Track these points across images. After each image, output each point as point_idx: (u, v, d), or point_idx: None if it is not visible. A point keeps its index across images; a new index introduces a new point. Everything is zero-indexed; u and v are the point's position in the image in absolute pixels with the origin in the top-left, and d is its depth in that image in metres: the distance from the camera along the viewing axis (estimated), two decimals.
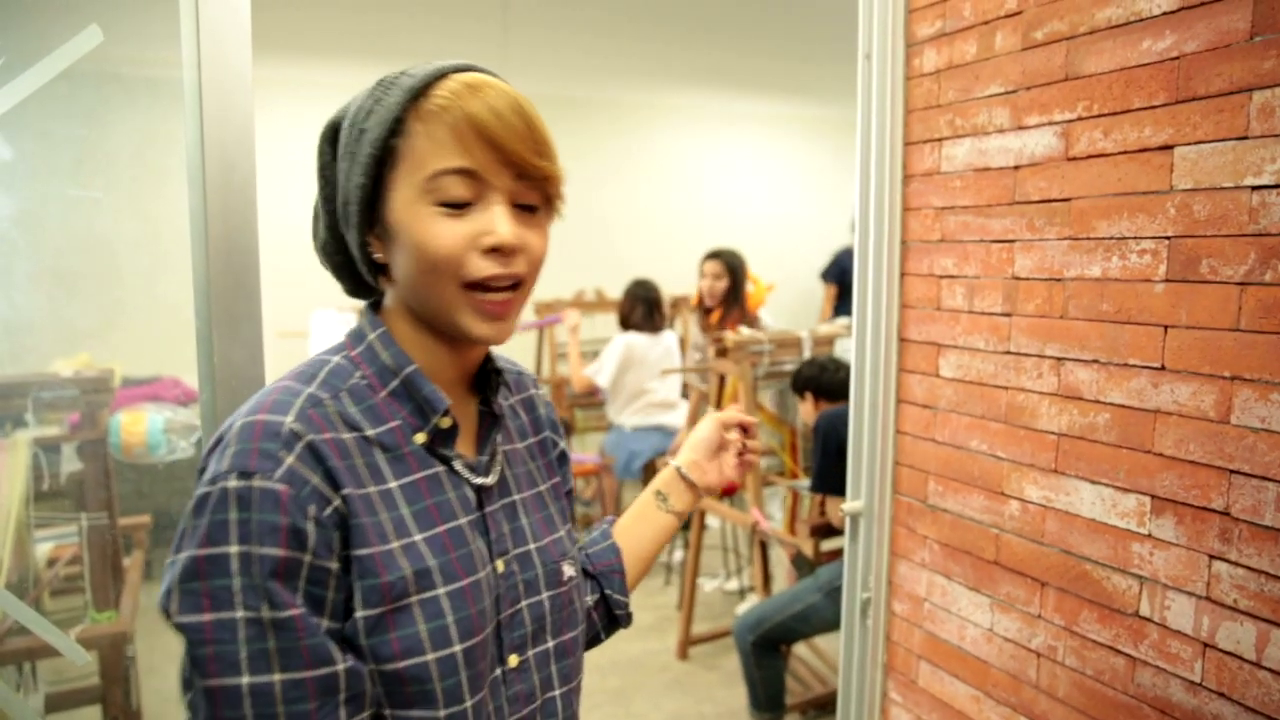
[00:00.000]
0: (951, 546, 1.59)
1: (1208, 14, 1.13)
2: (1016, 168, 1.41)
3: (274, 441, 0.66)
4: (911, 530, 1.68)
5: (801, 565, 2.82)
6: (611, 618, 0.99)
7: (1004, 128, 1.43)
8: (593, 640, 0.98)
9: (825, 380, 2.79)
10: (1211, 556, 1.16)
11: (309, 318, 3.86)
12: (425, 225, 0.70)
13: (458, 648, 0.71)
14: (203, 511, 0.64)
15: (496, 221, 0.71)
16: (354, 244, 0.76)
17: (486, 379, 0.84)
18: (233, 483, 0.64)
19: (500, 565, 0.78)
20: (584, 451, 4.66)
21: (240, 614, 0.62)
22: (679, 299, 4.83)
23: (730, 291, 3.71)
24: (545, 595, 0.82)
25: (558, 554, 0.85)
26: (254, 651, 0.63)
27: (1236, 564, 1.13)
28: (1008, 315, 1.45)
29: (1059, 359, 1.36)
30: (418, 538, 0.72)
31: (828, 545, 2.69)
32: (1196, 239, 1.16)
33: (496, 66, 0.77)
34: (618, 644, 3.41)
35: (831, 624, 2.58)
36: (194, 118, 1.07)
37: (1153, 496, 1.23)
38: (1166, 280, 1.20)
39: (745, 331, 3.11)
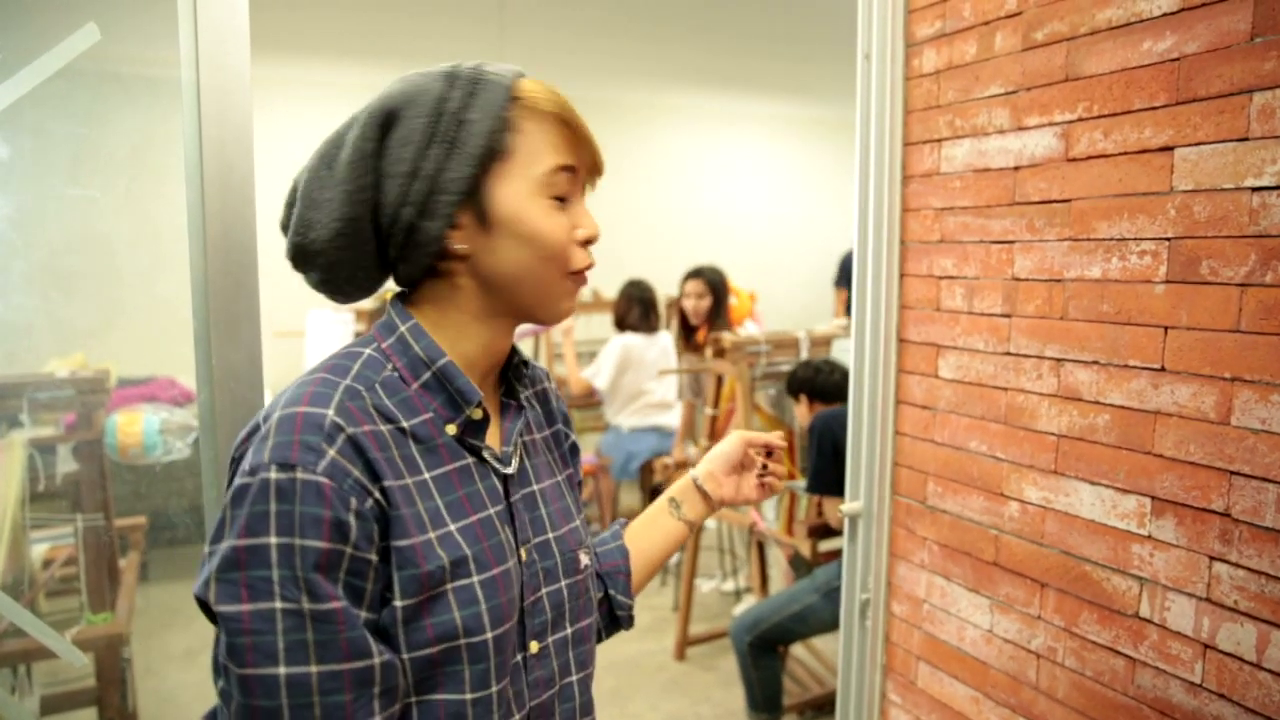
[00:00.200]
0: (951, 547, 1.59)
1: (1208, 15, 1.13)
2: (1016, 168, 1.41)
3: (316, 434, 0.67)
4: (911, 531, 1.68)
5: (799, 566, 2.82)
6: (613, 618, 1.00)
7: (1004, 128, 1.43)
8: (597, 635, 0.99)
9: (820, 382, 2.79)
10: (1212, 558, 1.16)
11: (305, 317, 3.85)
12: (543, 217, 0.76)
13: (489, 635, 0.73)
14: (242, 502, 0.65)
15: (588, 216, 0.80)
16: (430, 233, 0.74)
17: (512, 370, 0.86)
18: (274, 474, 0.65)
19: (523, 554, 0.80)
20: (581, 451, 4.65)
21: (279, 604, 0.63)
22: (675, 300, 4.82)
23: (713, 309, 3.75)
24: (564, 583, 0.84)
25: (574, 543, 0.87)
26: (292, 642, 0.63)
27: (1237, 565, 1.13)
28: (1007, 316, 1.45)
29: (1059, 360, 1.36)
30: (453, 527, 0.73)
31: (825, 546, 2.69)
32: (1197, 240, 1.16)
33: None
34: (615, 644, 3.41)
35: (829, 625, 2.58)
36: (192, 117, 1.06)
37: (1153, 498, 1.23)
38: (1167, 281, 1.20)
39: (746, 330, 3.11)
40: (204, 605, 0.65)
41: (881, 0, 1.60)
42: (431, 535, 0.71)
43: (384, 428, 0.72)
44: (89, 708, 2.22)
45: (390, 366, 0.76)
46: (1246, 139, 1.10)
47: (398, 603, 0.69)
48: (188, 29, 1.05)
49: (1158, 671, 1.23)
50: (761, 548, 3.11)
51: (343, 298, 0.80)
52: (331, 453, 0.66)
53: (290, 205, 0.77)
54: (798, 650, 3.16)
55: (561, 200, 0.77)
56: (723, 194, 6.52)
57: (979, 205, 1.49)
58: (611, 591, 0.99)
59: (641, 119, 6.18)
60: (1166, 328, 1.20)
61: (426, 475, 0.73)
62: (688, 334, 3.84)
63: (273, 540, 0.63)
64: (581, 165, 0.79)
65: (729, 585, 3.91)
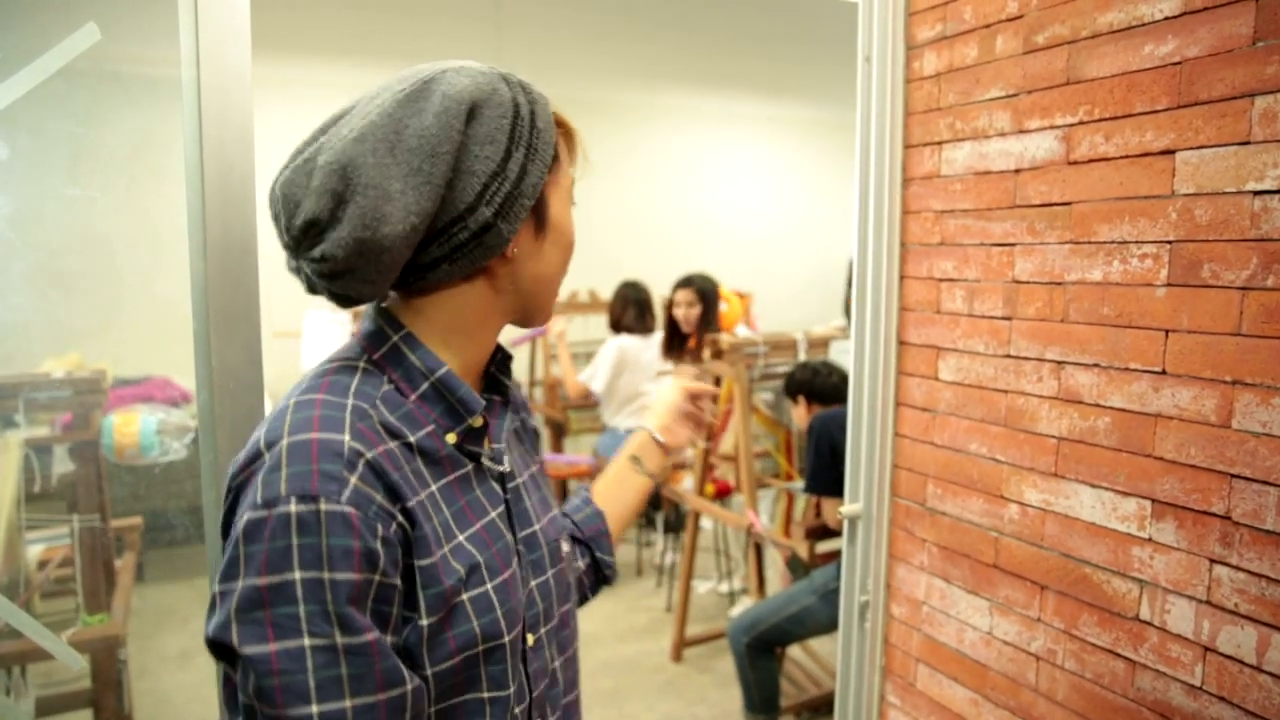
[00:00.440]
0: (950, 549, 1.59)
1: (1210, 19, 1.13)
2: (1017, 171, 1.42)
3: (335, 462, 0.64)
4: (910, 533, 1.68)
5: (796, 568, 2.82)
6: (600, 577, 1.05)
7: (1005, 131, 1.43)
8: (580, 601, 1.02)
9: (818, 384, 2.79)
10: (1212, 560, 1.16)
11: (302, 319, 3.84)
12: (572, 224, 0.82)
13: (506, 639, 0.73)
14: (257, 538, 0.62)
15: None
16: (504, 235, 0.73)
17: (498, 365, 0.86)
18: (294, 507, 0.62)
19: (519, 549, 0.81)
20: (577, 453, 4.65)
21: (307, 642, 0.61)
22: (665, 303, 4.82)
23: (704, 317, 3.77)
24: (550, 573, 0.84)
25: (555, 532, 0.88)
26: (324, 679, 0.61)
27: (1237, 568, 1.13)
28: (1008, 319, 1.45)
29: (1059, 363, 1.36)
30: (462, 537, 0.73)
31: (822, 547, 2.69)
32: (1198, 243, 1.16)
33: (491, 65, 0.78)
34: (612, 645, 3.41)
35: (826, 626, 2.58)
36: (192, 116, 1.06)
37: (1153, 500, 1.23)
38: (1168, 284, 1.20)
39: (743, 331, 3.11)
40: (219, 647, 0.62)
41: (882, 3, 1.60)
42: (446, 549, 0.70)
43: (393, 444, 0.70)
44: (84, 709, 2.21)
45: (386, 379, 0.74)
46: (1248, 143, 1.10)
47: (423, 621, 0.67)
48: (188, 28, 1.04)
49: (1158, 674, 1.24)
50: (759, 549, 3.11)
51: (349, 303, 0.75)
52: (354, 480, 0.64)
53: (336, 193, 0.67)
54: (795, 652, 3.16)
55: None
56: (720, 195, 6.52)
57: (980, 208, 1.49)
58: (598, 554, 1.03)
59: (639, 119, 6.18)
60: (1167, 331, 1.21)
61: (434, 488, 0.72)
62: (679, 342, 3.85)
63: (297, 576, 0.61)
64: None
65: (725, 587, 3.91)
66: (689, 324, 3.78)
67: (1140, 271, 1.24)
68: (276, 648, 0.60)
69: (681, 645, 3.29)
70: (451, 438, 0.75)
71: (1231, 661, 1.15)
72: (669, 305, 3.89)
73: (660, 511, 4.26)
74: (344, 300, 0.73)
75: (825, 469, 2.51)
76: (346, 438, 0.66)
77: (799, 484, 3.01)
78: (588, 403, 4.34)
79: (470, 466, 0.77)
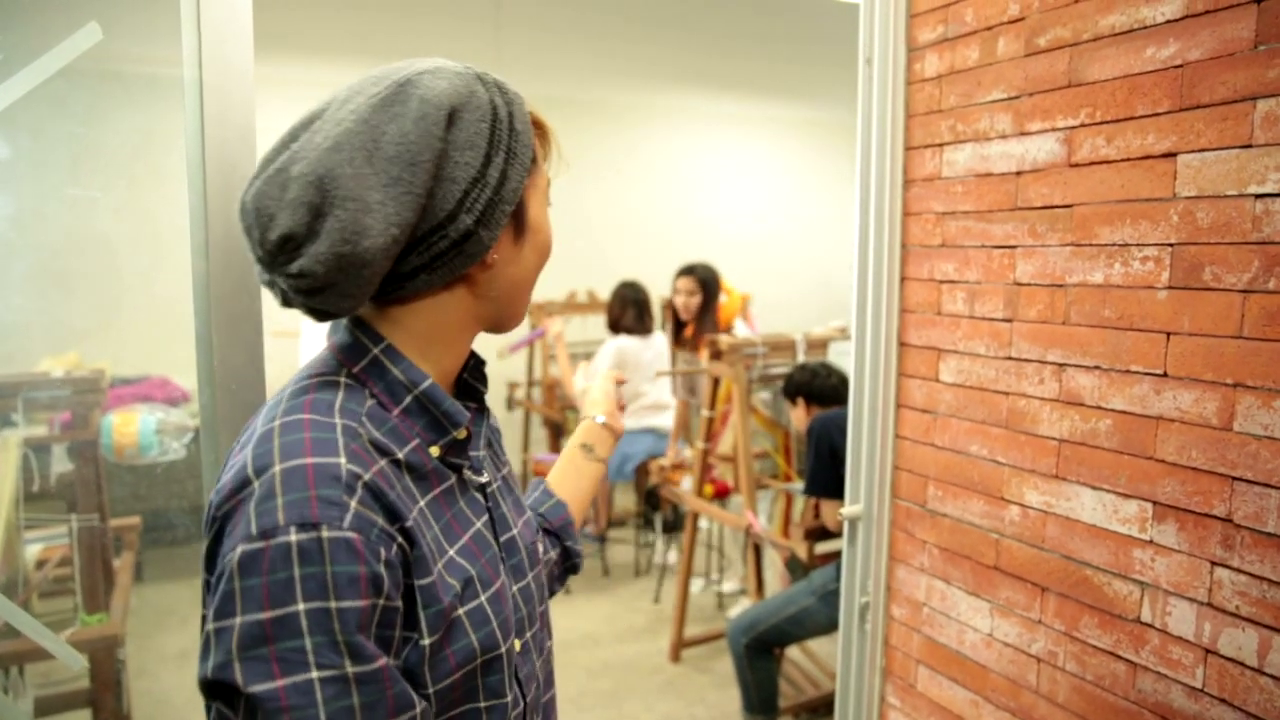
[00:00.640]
0: (951, 551, 1.59)
1: (1212, 22, 1.14)
2: (1018, 173, 1.42)
3: (333, 487, 0.62)
4: (910, 535, 1.68)
5: (795, 569, 2.82)
6: (569, 566, 1.05)
7: (1006, 133, 1.43)
8: (549, 593, 1.02)
9: (817, 386, 2.79)
10: (1213, 563, 1.17)
11: (300, 318, 3.83)
12: (549, 226, 0.80)
13: (502, 648, 0.73)
14: (254, 571, 0.59)
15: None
16: (484, 242, 0.71)
17: (471, 372, 0.83)
18: (294, 536, 0.59)
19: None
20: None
21: (315, 674, 0.58)
22: (667, 300, 4.83)
23: (703, 306, 3.78)
24: (530, 576, 0.83)
25: (531, 535, 0.87)
26: (335, 711, 0.59)
27: (1239, 570, 1.14)
28: (1009, 321, 1.45)
29: (1060, 365, 1.36)
30: (452, 552, 0.72)
31: (821, 548, 2.69)
32: (1199, 246, 1.17)
33: (489, 66, 0.77)
34: (610, 646, 3.40)
35: (825, 627, 2.58)
36: (194, 116, 1.06)
37: (1154, 502, 1.24)
38: (1169, 287, 1.20)
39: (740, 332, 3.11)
40: (219, 687, 0.59)
41: (883, 5, 1.60)
42: (440, 566, 0.69)
43: (384, 463, 0.67)
44: (83, 709, 2.21)
45: (368, 394, 0.71)
46: (1250, 146, 1.10)
47: (424, 641, 0.66)
48: (190, 27, 1.04)
49: (1159, 676, 1.24)
50: (758, 550, 3.11)
51: (326, 318, 0.71)
52: (354, 504, 0.62)
53: (312, 206, 0.64)
54: (793, 653, 3.16)
55: None
56: (720, 196, 6.51)
57: (980, 210, 1.49)
58: (568, 543, 1.03)
59: (638, 120, 6.18)
60: (1169, 333, 1.21)
61: (422, 503, 0.70)
62: (678, 330, 3.87)
63: (301, 607, 0.58)
64: None
65: (725, 586, 3.91)
66: (688, 312, 3.79)
67: (1142, 274, 1.24)
68: (284, 683, 0.58)
69: (680, 646, 3.29)
70: (435, 451, 0.73)
71: (1233, 664, 1.15)
72: (669, 298, 3.91)
73: (659, 512, 4.26)
74: (321, 315, 0.70)
75: (825, 471, 2.51)
76: (342, 460, 0.63)
77: (797, 485, 3.01)
78: None
79: (453, 479, 0.76)
